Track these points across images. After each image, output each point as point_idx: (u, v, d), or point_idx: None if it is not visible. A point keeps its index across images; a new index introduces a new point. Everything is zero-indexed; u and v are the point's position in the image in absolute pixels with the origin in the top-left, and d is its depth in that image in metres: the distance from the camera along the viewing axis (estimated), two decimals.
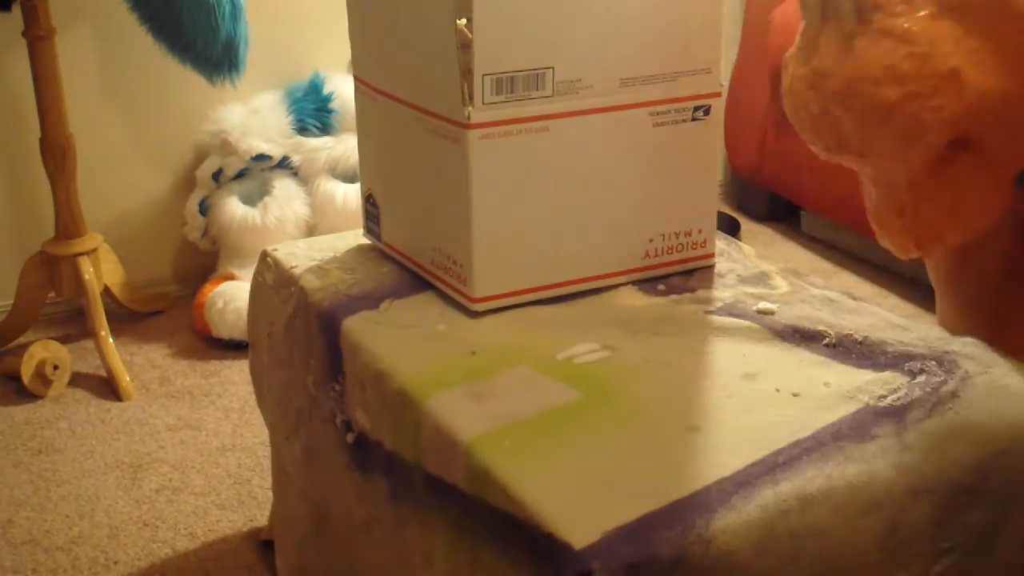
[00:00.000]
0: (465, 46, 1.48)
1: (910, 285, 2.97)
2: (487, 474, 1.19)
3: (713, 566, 1.10)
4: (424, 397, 1.34)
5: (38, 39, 2.52)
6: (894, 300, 2.91)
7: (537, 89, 1.48)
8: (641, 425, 1.28)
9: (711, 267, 1.68)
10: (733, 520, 1.12)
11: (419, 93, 1.55)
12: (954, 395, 1.32)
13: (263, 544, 2.01)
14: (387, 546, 1.42)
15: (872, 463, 1.21)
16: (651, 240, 1.63)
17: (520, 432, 1.26)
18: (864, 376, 1.37)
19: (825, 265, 3.13)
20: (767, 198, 3.46)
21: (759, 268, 1.68)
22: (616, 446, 1.24)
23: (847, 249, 3.20)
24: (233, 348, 2.71)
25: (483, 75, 1.43)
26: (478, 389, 1.35)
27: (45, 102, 2.58)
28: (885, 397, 1.32)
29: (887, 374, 1.37)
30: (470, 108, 1.44)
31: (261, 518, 2.09)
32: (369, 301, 1.59)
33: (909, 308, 2.86)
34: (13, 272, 2.74)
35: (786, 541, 1.14)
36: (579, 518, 1.11)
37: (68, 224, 2.66)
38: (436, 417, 1.30)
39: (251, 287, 1.83)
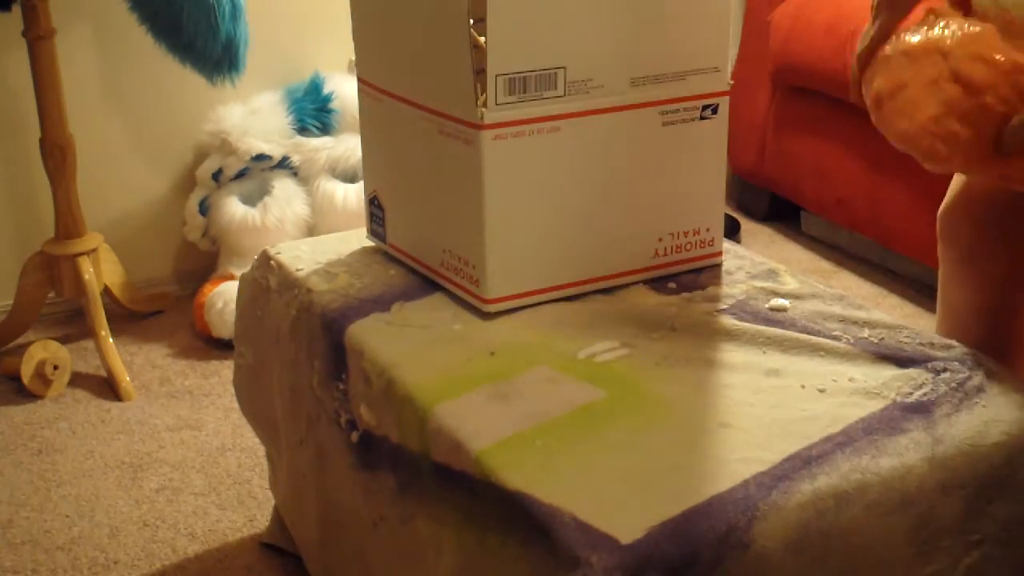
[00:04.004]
0: (477, 47, 1.48)
1: (910, 285, 2.97)
2: (520, 475, 1.19)
3: (749, 568, 1.11)
4: (448, 398, 1.34)
5: (38, 39, 2.52)
6: (894, 300, 2.91)
7: (549, 89, 1.48)
8: (670, 422, 1.29)
9: (719, 265, 1.69)
10: (772, 522, 1.12)
11: (429, 94, 1.55)
12: (980, 390, 1.33)
13: (263, 545, 2.01)
14: (395, 543, 1.42)
15: (905, 457, 1.22)
16: (660, 239, 1.63)
17: (551, 431, 1.27)
18: (888, 372, 1.38)
19: (825, 265, 3.13)
20: (767, 198, 3.46)
21: (767, 266, 1.68)
22: (649, 443, 1.25)
23: (847, 249, 3.20)
24: (233, 348, 2.70)
25: (496, 75, 1.43)
26: (503, 390, 1.35)
27: (45, 102, 2.57)
28: (912, 393, 1.33)
29: (911, 371, 1.38)
30: (483, 109, 1.44)
31: (261, 518, 2.08)
32: (380, 304, 1.58)
33: (909, 308, 2.86)
34: (13, 272, 2.73)
35: (818, 541, 1.15)
36: (622, 513, 1.12)
37: (68, 224, 2.66)
38: (462, 418, 1.30)
39: (246, 289, 1.82)
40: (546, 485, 1.17)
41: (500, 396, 1.34)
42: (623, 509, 1.13)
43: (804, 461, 1.20)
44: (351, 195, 2.87)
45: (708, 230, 1.67)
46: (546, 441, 1.25)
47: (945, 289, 1.67)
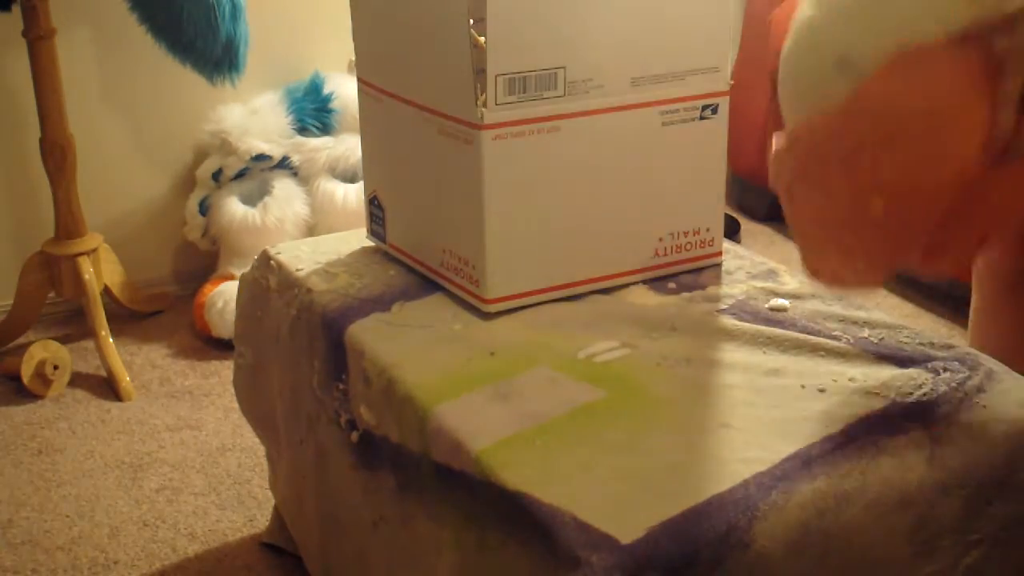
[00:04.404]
0: (477, 47, 1.48)
1: (909, 285, 2.97)
2: (520, 475, 1.19)
3: (749, 568, 1.11)
4: (448, 398, 1.34)
5: (38, 39, 2.52)
6: (893, 300, 2.91)
7: (549, 89, 1.48)
8: (671, 421, 1.29)
9: (719, 265, 1.69)
10: (773, 521, 1.13)
11: (429, 94, 1.55)
12: (980, 390, 1.33)
13: (263, 545, 2.01)
14: (395, 543, 1.42)
15: (905, 457, 1.22)
16: (660, 239, 1.63)
17: (551, 431, 1.27)
18: (887, 372, 1.38)
19: None
20: (767, 198, 3.46)
21: (767, 266, 1.68)
22: (649, 443, 1.25)
23: None
24: (233, 348, 2.70)
25: (496, 75, 1.43)
26: (503, 390, 1.35)
27: (45, 102, 2.57)
28: (911, 393, 1.33)
29: (911, 371, 1.38)
30: (483, 109, 1.44)
31: (261, 518, 2.08)
32: (380, 304, 1.58)
33: (909, 308, 2.86)
34: (13, 272, 2.73)
35: (819, 541, 1.15)
36: (622, 513, 1.12)
37: (68, 224, 2.66)
38: (462, 418, 1.30)
39: (247, 289, 1.82)
40: (546, 485, 1.17)
41: (500, 396, 1.34)
42: (623, 509, 1.13)
43: (804, 461, 1.20)
44: (351, 195, 2.87)
45: (708, 230, 1.67)
46: (546, 441, 1.25)
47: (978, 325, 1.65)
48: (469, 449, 1.25)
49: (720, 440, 1.25)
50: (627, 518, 1.11)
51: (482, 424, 1.28)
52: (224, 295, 2.71)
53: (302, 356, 1.63)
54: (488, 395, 1.34)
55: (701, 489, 1.15)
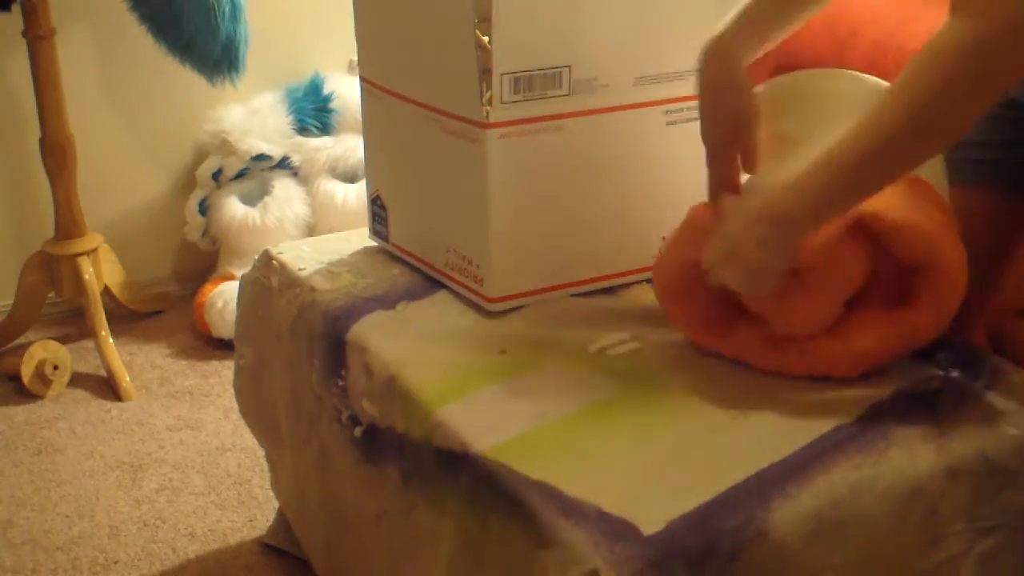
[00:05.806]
0: (482, 46, 1.48)
1: None
2: (540, 468, 1.19)
3: (767, 558, 1.11)
4: (459, 396, 1.34)
5: (38, 39, 2.52)
6: None
7: (554, 88, 1.48)
8: (684, 414, 1.30)
9: None
10: (789, 512, 1.13)
11: (433, 93, 1.55)
12: (987, 386, 1.34)
13: (265, 546, 2.01)
14: (397, 534, 1.42)
15: (914, 447, 1.23)
16: (664, 238, 1.62)
17: (566, 426, 1.27)
18: (895, 364, 1.38)
19: None
20: None
21: None
22: (664, 435, 1.25)
23: None
24: (233, 348, 2.70)
25: (502, 74, 1.43)
26: (516, 386, 1.36)
27: (45, 102, 2.57)
28: (920, 385, 1.34)
29: (920, 362, 1.38)
30: (488, 107, 1.44)
31: (261, 518, 2.08)
32: (384, 303, 1.58)
33: None
34: (13, 272, 2.74)
35: (833, 530, 1.15)
36: (642, 506, 1.12)
37: (68, 224, 2.66)
38: (473, 417, 1.30)
39: (248, 289, 1.82)
40: (568, 478, 1.17)
41: (512, 393, 1.34)
42: (643, 502, 1.14)
43: (816, 451, 1.21)
44: (351, 195, 2.87)
45: None
46: (563, 436, 1.26)
47: None
48: (481, 444, 1.25)
49: (733, 431, 1.26)
50: (647, 510, 1.12)
51: (495, 421, 1.28)
52: (224, 295, 2.71)
53: (302, 355, 1.63)
54: (500, 392, 1.35)
55: (718, 481, 1.16)
